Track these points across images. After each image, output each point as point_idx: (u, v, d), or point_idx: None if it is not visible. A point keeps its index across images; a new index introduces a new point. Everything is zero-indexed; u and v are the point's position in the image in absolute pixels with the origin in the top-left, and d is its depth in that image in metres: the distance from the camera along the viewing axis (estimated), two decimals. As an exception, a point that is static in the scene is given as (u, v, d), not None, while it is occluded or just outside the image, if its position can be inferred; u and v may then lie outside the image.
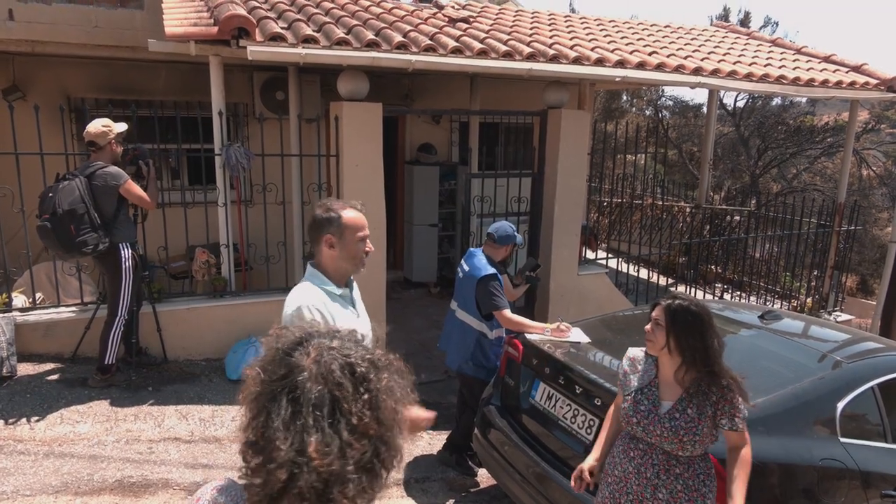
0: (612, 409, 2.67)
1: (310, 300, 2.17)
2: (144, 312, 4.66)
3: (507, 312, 3.89)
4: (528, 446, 3.41)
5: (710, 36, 7.94)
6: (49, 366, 4.62)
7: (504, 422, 3.66)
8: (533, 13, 7.84)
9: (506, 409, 3.73)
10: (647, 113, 21.46)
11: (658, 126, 19.99)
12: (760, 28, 17.65)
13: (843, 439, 3.00)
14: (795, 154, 16.12)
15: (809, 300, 7.57)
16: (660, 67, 5.72)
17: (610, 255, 7.32)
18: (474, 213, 5.96)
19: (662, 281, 8.61)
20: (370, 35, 4.71)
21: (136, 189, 4.27)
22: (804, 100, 15.44)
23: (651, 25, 8.23)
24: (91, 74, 6.40)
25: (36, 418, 4.13)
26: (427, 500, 3.99)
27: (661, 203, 9.65)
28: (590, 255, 7.12)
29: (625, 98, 21.35)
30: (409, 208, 8.13)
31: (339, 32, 4.64)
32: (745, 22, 18.33)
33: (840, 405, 3.07)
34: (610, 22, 7.94)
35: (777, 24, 29.71)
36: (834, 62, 7.33)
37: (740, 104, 18.05)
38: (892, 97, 6.76)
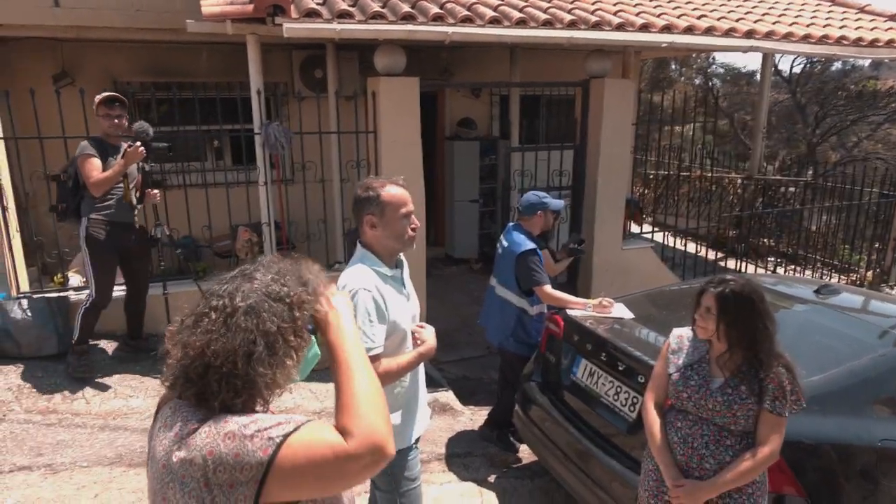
0: (648, 402, 2.55)
1: (365, 283, 2.13)
2: (154, 295, 4.67)
3: (548, 288, 3.81)
4: (570, 423, 3.36)
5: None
6: (103, 342, 4.79)
7: (545, 398, 3.62)
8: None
9: (547, 386, 3.68)
10: (697, 82, 20.69)
11: (708, 95, 19.27)
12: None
13: (904, 419, 2.85)
14: (857, 121, 15.29)
15: (870, 274, 7.20)
16: (709, 31, 5.45)
17: (656, 229, 7.11)
18: (514, 187, 5.86)
19: (711, 255, 8.33)
20: (406, 7, 4.63)
21: (87, 166, 4.06)
22: (867, 63, 14.61)
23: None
24: (135, 58, 6.52)
25: (92, 393, 4.30)
26: (468, 475, 3.99)
27: (710, 175, 9.30)
28: (635, 228, 6.93)
29: (673, 67, 20.62)
30: (450, 184, 8.07)
31: (375, 6, 4.57)
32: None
33: (904, 383, 2.91)
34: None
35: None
36: (869, 12, 6.84)
37: (797, 69, 17.22)
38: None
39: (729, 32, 5.47)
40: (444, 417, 4.69)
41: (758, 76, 15.40)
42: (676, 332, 2.58)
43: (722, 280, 2.32)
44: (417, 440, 2.43)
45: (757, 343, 2.24)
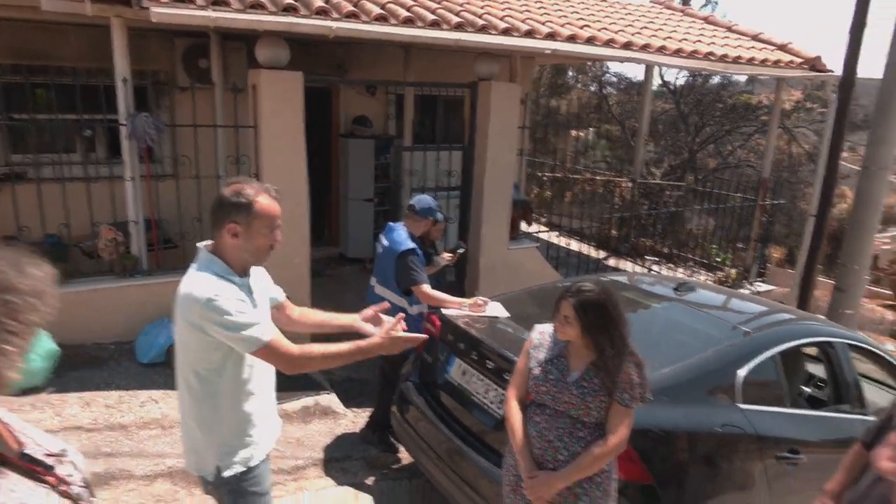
0: (510, 398, 2.61)
1: (219, 287, 1.95)
2: None
3: (426, 287, 3.83)
4: (443, 423, 3.38)
5: (646, 12, 7.97)
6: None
7: (421, 398, 3.62)
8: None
9: (423, 386, 3.69)
10: (592, 89, 21.61)
11: (602, 102, 20.22)
12: (701, 7, 17.92)
13: (742, 405, 3.09)
14: (731, 131, 16.58)
15: (734, 271, 7.82)
16: (591, 41, 5.69)
17: (543, 229, 7.35)
18: (403, 186, 5.86)
19: (596, 254, 8.74)
20: (287, -1, 4.49)
21: None
22: (743, 78, 15.84)
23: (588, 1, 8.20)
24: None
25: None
26: (346, 479, 3.94)
27: (597, 178, 9.76)
28: (525, 228, 7.12)
29: (570, 73, 21.42)
30: (345, 182, 7.94)
31: (254, -5, 4.40)
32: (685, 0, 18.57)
33: (741, 373, 3.15)
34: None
35: (717, 3, 30.36)
36: (762, 40, 7.48)
37: (681, 81, 18.40)
38: (814, 76, 6.95)
39: (609, 43, 5.74)
40: (325, 421, 4.60)
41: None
42: (538, 327, 2.66)
43: (578, 289, 2.41)
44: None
45: (611, 343, 2.35)
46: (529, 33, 5.34)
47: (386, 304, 2.49)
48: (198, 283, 1.96)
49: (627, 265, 8.17)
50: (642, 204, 9.08)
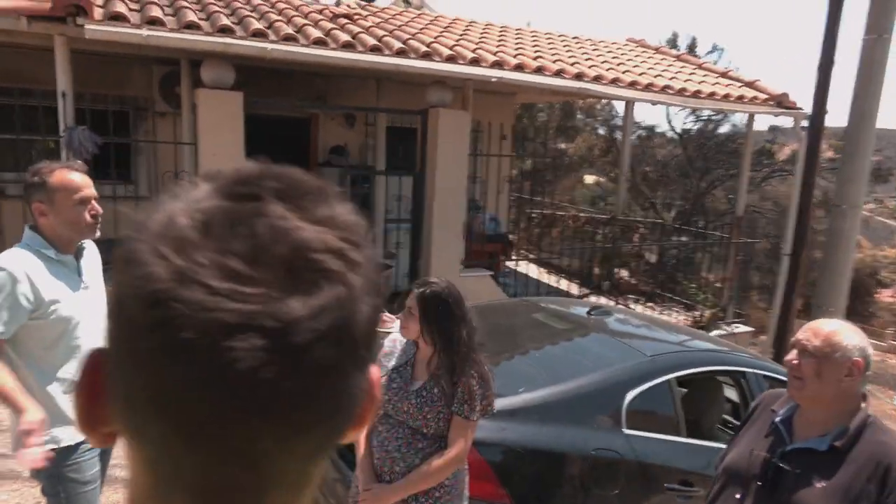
0: None
1: (14, 265, 2.02)
2: None
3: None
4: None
5: (617, 49, 8.04)
6: None
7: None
8: (446, 18, 7.87)
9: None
10: (601, 132, 21.70)
11: (612, 146, 20.27)
12: (706, 54, 18.01)
13: (627, 430, 2.95)
14: (733, 176, 16.46)
15: (708, 312, 7.60)
16: (539, 71, 5.73)
17: (519, 259, 7.33)
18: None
19: (577, 290, 8.61)
20: (225, 20, 4.64)
21: None
22: (763, 127, 15.92)
23: (566, 38, 8.32)
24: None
25: None
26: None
27: (581, 215, 9.72)
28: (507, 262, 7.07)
29: (579, 116, 21.59)
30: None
31: (193, 16, 4.56)
32: (692, 48, 18.72)
33: (628, 397, 3.02)
34: (527, 30, 8.01)
35: (723, 50, 30.52)
36: (730, 77, 7.46)
37: (688, 126, 18.38)
38: (780, 112, 6.87)
39: (559, 73, 5.78)
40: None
41: (658, 128, 16.29)
42: (392, 336, 2.60)
43: (425, 282, 2.36)
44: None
45: (452, 346, 2.28)
46: (475, 61, 5.41)
47: None
48: (3, 255, 2.05)
49: (610, 303, 8.01)
50: (622, 242, 8.98)
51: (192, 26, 4.47)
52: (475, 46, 5.90)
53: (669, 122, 18.00)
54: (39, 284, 2.06)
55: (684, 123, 18.45)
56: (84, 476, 2.20)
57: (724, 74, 7.48)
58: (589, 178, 22.65)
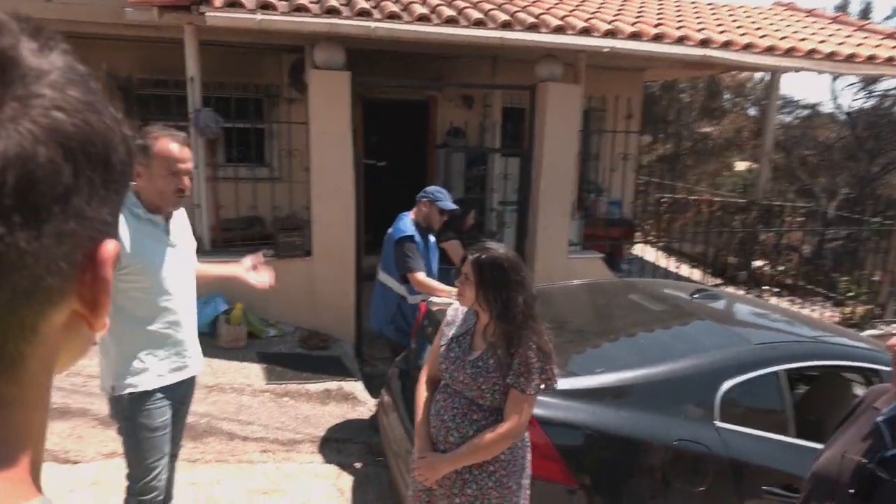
0: (422, 376, 2.52)
1: None
2: None
3: (420, 275, 3.81)
4: (408, 412, 3.31)
5: (759, 15, 7.24)
6: None
7: (399, 384, 3.59)
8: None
9: (405, 373, 3.65)
10: (752, 112, 19.83)
11: (762, 127, 18.46)
12: (884, 19, 15.75)
13: (720, 423, 2.66)
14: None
15: (861, 308, 6.66)
16: (658, 39, 5.30)
17: (646, 243, 6.91)
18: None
19: (707, 280, 7.96)
20: (333, 2, 4.79)
21: None
22: None
23: (697, 4, 7.65)
24: (131, 54, 6.98)
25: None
26: (335, 459, 3.99)
27: (716, 199, 8.94)
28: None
29: (727, 96, 19.90)
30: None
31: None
32: (865, 13, 16.48)
33: (724, 386, 2.71)
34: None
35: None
36: None
37: (859, 104, 16.22)
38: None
39: (681, 40, 5.31)
40: (341, 405, 4.69)
41: (819, 109, 14.57)
42: (454, 305, 2.55)
43: (482, 248, 2.29)
44: (169, 389, 2.35)
45: (510, 314, 2.18)
46: (586, 31, 5.13)
47: (260, 257, 2.54)
48: None
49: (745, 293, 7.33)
50: (762, 229, 8.12)
51: (301, 9, 4.67)
52: (588, 16, 5.58)
53: (835, 98, 15.94)
54: (125, 239, 2.16)
55: (854, 100, 16.36)
56: (153, 423, 2.31)
57: (891, 35, 6.46)
58: (741, 165, 20.82)
